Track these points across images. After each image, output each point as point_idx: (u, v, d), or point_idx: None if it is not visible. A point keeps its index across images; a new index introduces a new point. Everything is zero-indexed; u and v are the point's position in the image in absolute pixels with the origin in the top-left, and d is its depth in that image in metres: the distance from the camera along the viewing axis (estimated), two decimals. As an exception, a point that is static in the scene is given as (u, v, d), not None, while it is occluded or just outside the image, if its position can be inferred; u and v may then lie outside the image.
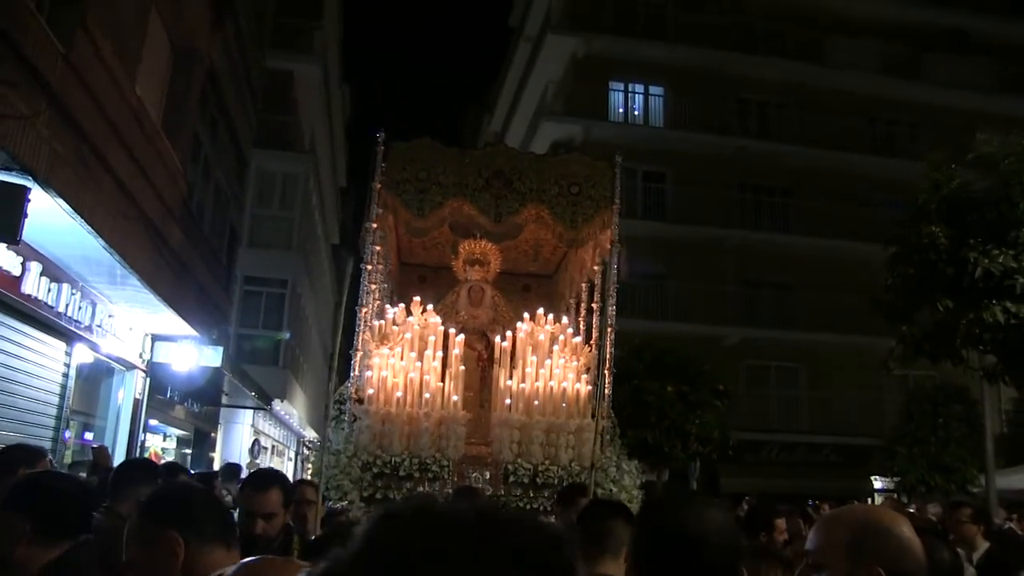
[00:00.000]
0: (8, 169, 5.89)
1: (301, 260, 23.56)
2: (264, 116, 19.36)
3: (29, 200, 6.16)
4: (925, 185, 10.20)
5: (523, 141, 26.17)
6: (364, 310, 7.92)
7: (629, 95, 26.68)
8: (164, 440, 16.19)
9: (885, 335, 13.04)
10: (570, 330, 8.48)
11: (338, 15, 28.61)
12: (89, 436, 11.78)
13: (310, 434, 26.88)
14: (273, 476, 3.97)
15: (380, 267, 8.42)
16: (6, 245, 6.92)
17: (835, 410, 23.11)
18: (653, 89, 26.50)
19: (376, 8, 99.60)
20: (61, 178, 6.51)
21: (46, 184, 6.23)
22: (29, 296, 8.15)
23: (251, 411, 21.28)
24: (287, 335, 21.69)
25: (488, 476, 7.51)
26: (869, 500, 20.51)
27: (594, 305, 8.60)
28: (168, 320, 11.71)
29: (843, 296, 21.43)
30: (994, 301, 9.04)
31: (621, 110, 26.65)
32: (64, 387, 9.87)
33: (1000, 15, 26.95)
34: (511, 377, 7.83)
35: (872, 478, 22.94)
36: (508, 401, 7.62)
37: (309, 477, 8.28)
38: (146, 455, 12.33)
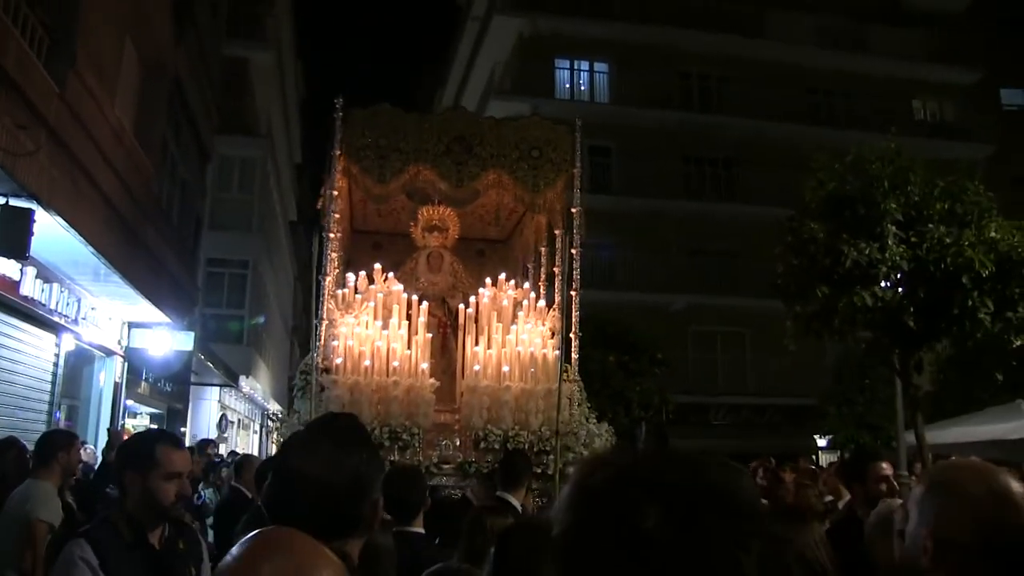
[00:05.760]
0: (16, 196, 6.82)
1: (261, 240, 24.19)
2: (221, 103, 19.60)
3: (34, 221, 7.09)
4: (811, 184, 11.55)
5: (473, 118, 26.66)
6: (327, 279, 7.80)
7: (575, 72, 27.37)
8: (135, 418, 17.05)
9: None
10: (533, 295, 8.34)
11: (290, -2, 28.85)
12: (60, 416, 12.50)
13: (274, 407, 27.77)
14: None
15: (339, 235, 8.29)
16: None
17: (778, 373, 23.53)
18: (598, 66, 27.22)
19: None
20: (59, 199, 7.45)
21: (48, 206, 7.17)
22: (27, 297, 9.20)
23: (218, 388, 22.13)
24: (262, 319, 22.23)
25: (458, 443, 7.46)
26: (814, 457, 21.09)
27: (556, 269, 8.55)
28: (144, 309, 12.63)
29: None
30: (868, 286, 10.45)
31: (567, 86, 27.33)
32: (55, 374, 10.91)
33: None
34: (477, 343, 7.71)
35: (816, 436, 23.57)
36: (476, 368, 7.50)
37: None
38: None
